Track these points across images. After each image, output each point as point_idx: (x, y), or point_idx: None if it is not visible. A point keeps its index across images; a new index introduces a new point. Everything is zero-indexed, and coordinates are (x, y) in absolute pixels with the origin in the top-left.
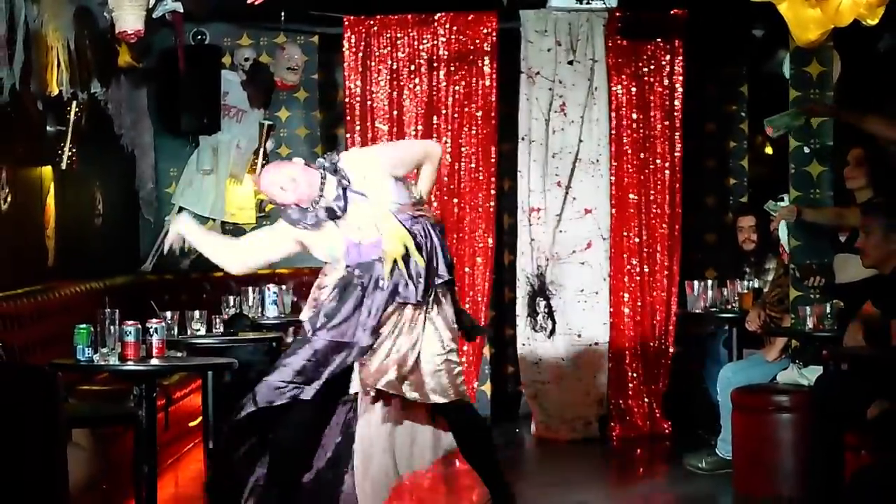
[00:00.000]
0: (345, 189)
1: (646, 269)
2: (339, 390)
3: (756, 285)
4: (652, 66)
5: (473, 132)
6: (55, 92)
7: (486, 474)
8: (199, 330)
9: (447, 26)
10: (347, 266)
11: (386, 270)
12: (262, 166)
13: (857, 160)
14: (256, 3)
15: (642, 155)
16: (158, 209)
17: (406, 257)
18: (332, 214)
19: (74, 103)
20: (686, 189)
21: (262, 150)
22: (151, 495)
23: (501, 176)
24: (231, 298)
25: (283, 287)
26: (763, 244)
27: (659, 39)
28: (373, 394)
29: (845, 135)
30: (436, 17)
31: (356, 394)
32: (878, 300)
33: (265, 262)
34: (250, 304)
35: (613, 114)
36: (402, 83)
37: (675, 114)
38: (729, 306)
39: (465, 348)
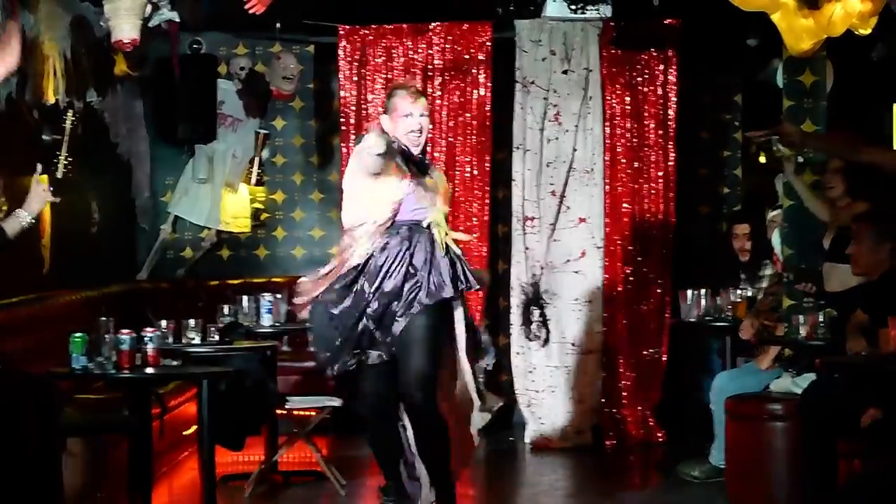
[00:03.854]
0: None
1: (639, 278)
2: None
3: (749, 294)
4: (646, 76)
5: (468, 141)
6: (51, 101)
7: (438, 475)
8: (194, 338)
9: (442, 36)
10: (395, 223)
11: (439, 237)
12: (258, 175)
13: (835, 168)
14: (254, 11)
15: (636, 164)
16: (154, 218)
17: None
18: (417, 163)
19: (70, 112)
20: (680, 198)
21: (257, 158)
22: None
23: (496, 185)
24: (226, 307)
25: (279, 296)
26: (758, 251)
27: (653, 49)
28: None
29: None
30: (430, 27)
31: None
32: (868, 307)
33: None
34: (245, 312)
35: (607, 123)
36: None
37: (669, 123)
38: (723, 315)
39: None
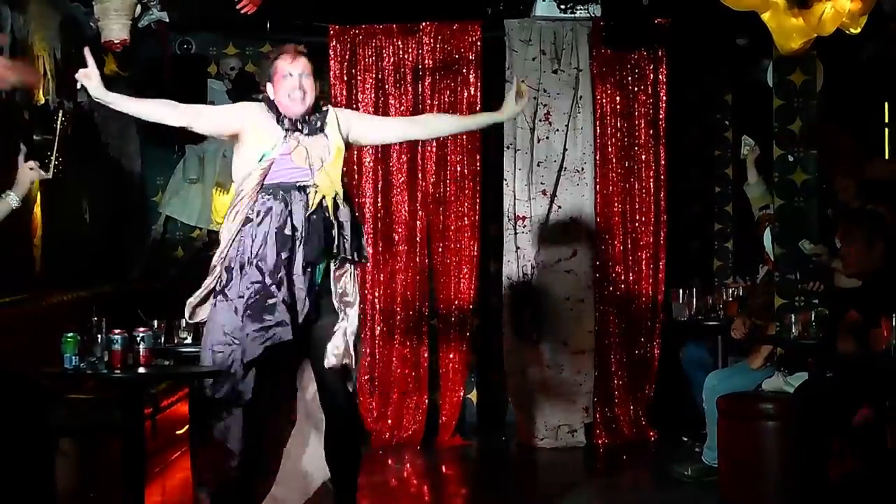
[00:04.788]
0: (323, 117)
1: (631, 277)
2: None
3: (741, 293)
4: (636, 75)
5: (458, 141)
6: (41, 101)
7: (350, 475)
8: (186, 338)
9: (432, 35)
10: (263, 186)
11: (313, 199)
12: None
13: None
14: (246, 11)
15: (627, 163)
16: (145, 218)
17: (336, 205)
18: (299, 125)
19: (61, 112)
20: (671, 197)
21: None
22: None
23: (486, 184)
24: None
25: None
26: None
27: (643, 48)
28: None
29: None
30: (420, 27)
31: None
32: (860, 307)
33: (200, 128)
34: None
35: (598, 122)
36: (387, 92)
37: (660, 122)
38: (714, 314)
39: (450, 356)
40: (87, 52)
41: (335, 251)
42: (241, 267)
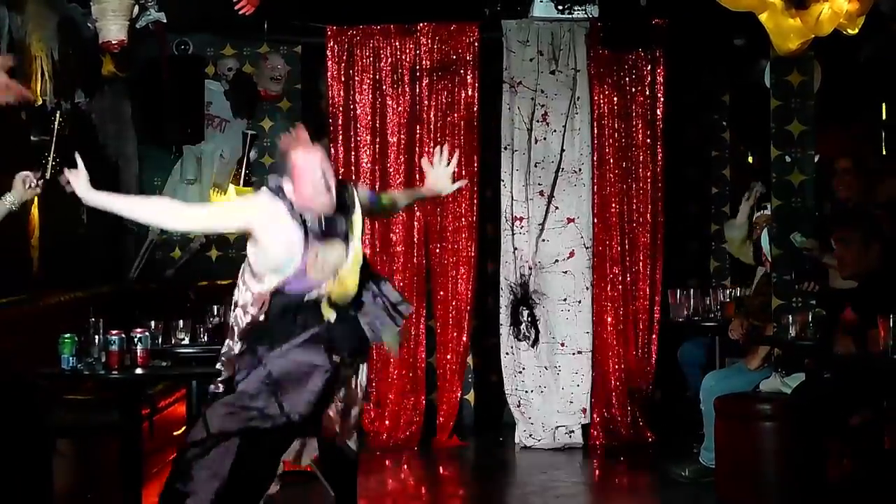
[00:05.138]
0: (347, 217)
1: (628, 278)
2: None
3: (738, 294)
4: (634, 76)
5: (456, 142)
6: (39, 102)
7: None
8: (183, 339)
9: (429, 36)
10: (287, 285)
11: (326, 313)
12: (246, 176)
13: (844, 168)
14: (245, 11)
15: (624, 164)
16: None
17: (357, 298)
18: (323, 228)
19: (58, 113)
20: (668, 198)
21: (245, 160)
22: None
23: (484, 185)
24: (215, 308)
25: None
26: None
27: (640, 49)
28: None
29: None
30: (418, 28)
31: None
32: (858, 307)
33: (210, 229)
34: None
35: (595, 123)
36: (384, 93)
37: (657, 123)
38: (711, 315)
39: (448, 357)
40: (77, 156)
41: (371, 341)
42: None
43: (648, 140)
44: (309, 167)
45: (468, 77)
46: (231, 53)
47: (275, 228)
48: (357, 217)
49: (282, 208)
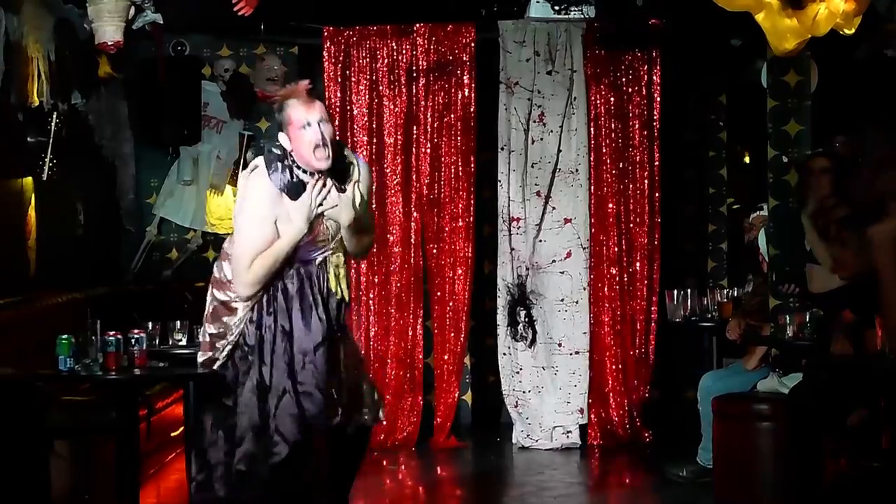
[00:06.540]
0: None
1: (625, 279)
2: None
3: (735, 294)
4: (630, 76)
5: (452, 142)
6: (36, 103)
7: (346, 490)
8: (180, 340)
9: (426, 37)
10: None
11: (332, 281)
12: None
13: (822, 168)
14: (243, 12)
15: (621, 164)
16: (139, 220)
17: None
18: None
19: (55, 114)
20: (665, 198)
21: (242, 160)
22: None
23: (481, 186)
24: None
25: None
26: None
27: (637, 49)
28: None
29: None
30: (415, 28)
31: None
32: (856, 307)
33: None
34: None
35: (592, 123)
36: (381, 93)
37: (654, 123)
38: (709, 315)
39: (445, 357)
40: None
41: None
42: None
43: (645, 140)
44: (304, 125)
45: (465, 77)
46: (227, 54)
47: (282, 212)
48: (353, 189)
49: (274, 187)
